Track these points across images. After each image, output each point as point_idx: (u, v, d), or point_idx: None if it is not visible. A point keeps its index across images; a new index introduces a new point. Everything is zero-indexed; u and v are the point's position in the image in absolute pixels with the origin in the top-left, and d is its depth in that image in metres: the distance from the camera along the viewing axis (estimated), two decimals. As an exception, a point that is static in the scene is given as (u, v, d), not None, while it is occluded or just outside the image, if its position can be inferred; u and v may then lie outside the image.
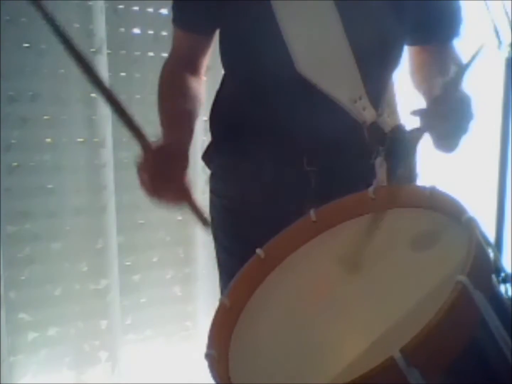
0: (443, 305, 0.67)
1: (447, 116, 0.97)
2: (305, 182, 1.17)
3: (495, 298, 0.76)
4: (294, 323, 0.89)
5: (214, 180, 1.31)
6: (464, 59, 1.17)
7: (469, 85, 1.17)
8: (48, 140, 1.94)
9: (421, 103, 1.10)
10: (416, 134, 1.02)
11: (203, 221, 1.11)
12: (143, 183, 1.11)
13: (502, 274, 0.83)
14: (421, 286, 0.79)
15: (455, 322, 0.68)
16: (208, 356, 0.84)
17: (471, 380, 0.72)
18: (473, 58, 1.00)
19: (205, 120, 1.30)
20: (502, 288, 0.83)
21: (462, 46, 1.25)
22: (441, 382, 0.70)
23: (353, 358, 0.75)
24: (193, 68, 1.26)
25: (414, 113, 1.00)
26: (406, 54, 1.25)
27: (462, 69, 1.01)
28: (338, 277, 0.92)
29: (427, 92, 1.17)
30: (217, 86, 1.30)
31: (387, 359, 0.65)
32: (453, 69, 1.06)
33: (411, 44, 1.23)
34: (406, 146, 1.24)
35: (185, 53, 1.26)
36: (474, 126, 1.04)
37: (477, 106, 1.03)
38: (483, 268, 0.75)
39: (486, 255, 0.77)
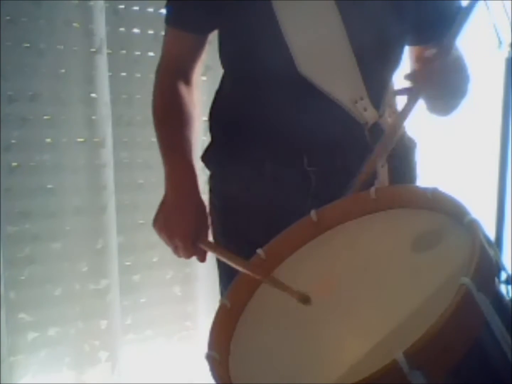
0: (447, 308, 0.67)
1: (440, 75, 0.97)
2: (306, 182, 1.17)
3: (498, 300, 0.75)
4: (295, 324, 0.89)
5: (213, 180, 1.31)
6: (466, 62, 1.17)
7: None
8: (48, 140, 1.94)
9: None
10: (411, 96, 1.01)
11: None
12: (172, 244, 1.15)
13: (504, 275, 0.83)
14: (423, 288, 0.79)
15: (459, 325, 0.68)
16: (209, 357, 0.84)
17: (475, 382, 0.72)
18: (466, 13, 0.99)
19: (205, 120, 1.30)
20: (503, 289, 0.83)
21: (462, 46, 1.25)
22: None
23: (355, 360, 0.74)
24: (186, 76, 1.24)
25: (407, 76, 0.99)
26: (407, 54, 1.25)
27: (455, 29, 1.00)
28: (339, 278, 0.92)
29: None
30: (217, 86, 1.29)
31: (390, 362, 0.65)
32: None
33: (411, 44, 1.23)
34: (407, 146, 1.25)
35: (178, 58, 1.24)
36: (471, 89, 1.03)
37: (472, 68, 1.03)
38: (487, 270, 0.75)
39: (489, 257, 0.77)
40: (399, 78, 1.25)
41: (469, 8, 0.98)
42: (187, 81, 1.24)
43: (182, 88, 1.22)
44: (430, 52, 1.01)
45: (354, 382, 0.66)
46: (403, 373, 0.65)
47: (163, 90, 1.23)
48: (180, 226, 1.12)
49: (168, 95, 1.22)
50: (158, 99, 1.24)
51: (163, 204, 1.17)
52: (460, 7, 1.22)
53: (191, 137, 1.19)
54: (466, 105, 1.15)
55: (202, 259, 1.16)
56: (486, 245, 0.77)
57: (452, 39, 0.99)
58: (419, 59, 0.97)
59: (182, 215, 1.13)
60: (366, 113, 1.13)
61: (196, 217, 1.13)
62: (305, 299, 0.89)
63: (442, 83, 0.99)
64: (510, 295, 0.84)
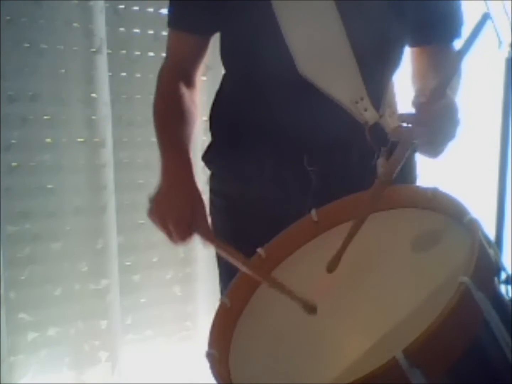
0: (446, 306, 0.67)
1: (433, 122, 0.96)
2: (306, 182, 1.17)
3: (497, 300, 0.76)
4: (295, 323, 0.89)
5: (214, 180, 1.31)
6: (463, 67, 1.17)
7: (469, 85, 1.17)
8: (48, 140, 1.94)
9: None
10: (404, 138, 1.01)
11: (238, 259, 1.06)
12: (165, 229, 1.10)
13: (503, 275, 0.83)
14: (423, 287, 0.79)
15: (458, 323, 0.68)
16: (209, 355, 0.84)
17: (473, 381, 0.72)
18: (458, 63, 0.99)
19: (205, 120, 1.30)
20: (503, 288, 0.83)
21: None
22: (442, 382, 0.70)
23: (355, 358, 0.75)
24: (188, 78, 1.24)
25: (402, 118, 0.99)
26: (408, 55, 1.25)
27: (449, 74, 0.99)
28: (339, 277, 0.92)
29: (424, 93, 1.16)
30: (217, 86, 1.29)
31: (389, 360, 0.65)
32: (442, 73, 1.04)
33: (412, 45, 1.23)
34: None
35: (181, 60, 1.24)
36: (460, 133, 1.03)
37: (464, 113, 1.02)
38: (486, 269, 0.75)
39: (488, 256, 0.77)
40: (399, 78, 1.26)
41: (470, 41, 0.98)
42: (189, 83, 1.24)
43: (184, 89, 1.22)
44: (426, 94, 1.00)
45: (353, 380, 0.66)
46: (402, 371, 0.65)
47: (165, 91, 1.23)
48: (173, 209, 1.09)
49: (170, 95, 1.22)
50: (159, 99, 1.24)
51: (156, 194, 1.14)
52: (460, 8, 1.23)
53: (190, 135, 1.19)
54: (466, 105, 1.14)
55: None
56: (486, 245, 0.77)
57: (447, 77, 0.98)
58: (415, 103, 0.97)
59: (175, 200, 1.10)
60: (366, 114, 1.13)
61: (190, 202, 1.10)
62: (310, 309, 0.87)
63: (438, 129, 0.99)
64: (510, 294, 0.84)
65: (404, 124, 0.99)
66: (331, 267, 0.89)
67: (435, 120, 0.95)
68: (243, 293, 0.98)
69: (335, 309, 0.87)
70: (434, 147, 1.00)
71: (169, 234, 1.10)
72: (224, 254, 1.06)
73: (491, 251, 0.78)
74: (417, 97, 1.00)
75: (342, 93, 1.12)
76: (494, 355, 0.74)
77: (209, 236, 1.10)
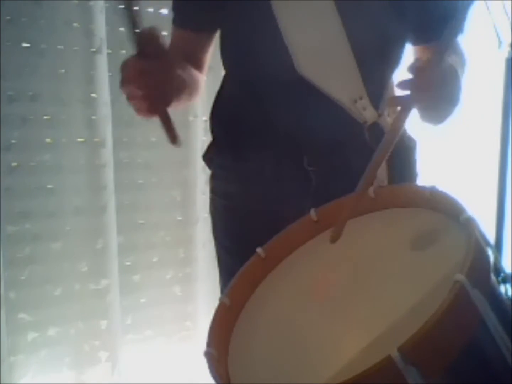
0: (441, 304, 0.68)
1: (431, 85, 0.95)
2: (306, 182, 1.17)
3: (494, 297, 0.76)
4: (294, 322, 0.89)
5: (214, 180, 1.31)
6: (467, 61, 1.17)
7: (469, 85, 1.17)
8: (48, 140, 1.94)
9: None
10: (404, 105, 1.00)
11: (172, 138, 0.96)
12: (126, 79, 0.95)
13: (502, 275, 0.83)
14: (419, 285, 0.79)
15: (454, 321, 0.68)
16: (207, 354, 0.84)
17: (470, 379, 0.72)
18: (460, 16, 0.98)
19: (205, 120, 1.30)
20: (502, 288, 0.83)
21: (462, 46, 1.25)
22: (439, 381, 0.70)
23: (351, 357, 0.75)
24: (196, 64, 1.24)
25: (399, 85, 0.99)
26: (410, 54, 1.25)
27: (447, 38, 0.99)
28: (337, 276, 0.92)
29: None
30: (217, 86, 1.30)
31: (384, 357, 0.65)
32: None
33: (413, 43, 1.23)
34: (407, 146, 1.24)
35: (187, 52, 1.25)
36: (462, 99, 1.02)
37: (464, 80, 1.00)
38: (482, 267, 0.75)
39: (484, 254, 0.77)
40: (399, 78, 1.26)
41: (464, 10, 0.97)
42: (198, 67, 1.25)
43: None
44: (423, 59, 1.00)
45: (348, 378, 0.66)
46: (398, 369, 0.65)
47: None
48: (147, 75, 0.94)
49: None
50: None
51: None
52: (461, 6, 1.22)
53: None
54: (466, 105, 1.15)
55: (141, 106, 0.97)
56: (482, 243, 0.77)
57: (445, 44, 0.97)
58: (411, 68, 0.95)
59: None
60: (366, 113, 1.14)
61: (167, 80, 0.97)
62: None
63: (437, 94, 0.98)
64: (510, 293, 0.84)
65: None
66: (335, 237, 0.89)
67: (434, 84, 0.94)
68: (243, 293, 0.98)
69: (333, 308, 0.87)
70: (436, 113, 0.99)
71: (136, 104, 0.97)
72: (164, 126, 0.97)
73: (487, 249, 0.78)
74: (414, 63, 0.99)
75: (341, 92, 1.12)
76: (491, 353, 0.74)
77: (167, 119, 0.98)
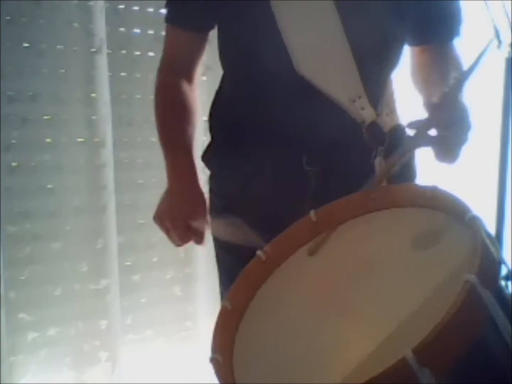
0: (453, 304, 0.67)
1: (447, 125, 0.96)
2: (305, 182, 1.17)
3: (502, 297, 0.75)
4: (298, 324, 0.88)
5: (213, 180, 1.31)
6: (465, 65, 1.16)
7: (469, 85, 1.17)
8: (48, 140, 1.94)
9: (420, 107, 1.08)
10: (414, 143, 1.01)
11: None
12: (166, 230, 1.16)
13: (504, 271, 0.83)
14: (426, 286, 0.78)
15: (464, 321, 0.68)
16: (212, 360, 0.83)
17: (480, 378, 0.72)
18: (474, 64, 0.99)
19: (205, 120, 1.30)
20: (503, 284, 0.82)
21: (462, 46, 1.25)
22: (450, 381, 0.70)
23: (360, 360, 0.73)
24: (186, 74, 1.25)
25: (410, 125, 0.99)
26: (408, 54, 1.25)
27: (462, 77, 0.99)
28: (340, 277, 0.92)
29: (427, 93, 1.16)
30: (217, 86, 1.29)
31: (399, 359, 0.65)
32: (453, 77, 1.04)
33: (411, 44, 1.23)
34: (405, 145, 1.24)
35: (179, 56, 1.25)
36: (473, 137, 1.03)
37: (475, 115, 1.01)
38: (490, 266, 0.75)
39: (491, 253, 0.77)
40: (399, 78, 1.26)
41: (480, 56, 0.97)
42: (188, 79, 1.25)
43: (184, 85, 1.23)
44: (437, 96, 1.00)
45: (363, 381, 0.66)
46: (412, 371, 0.65)
47: (164, 87, 1.24)
48: (172, 207, 1.14)
49: (170, 92, 1.23)
50: (160, 96, 1.24)
51: (162, 196, 1.18)
52: (460, 7, 1.23)
53: (192, 133, 1.21)
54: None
55: (200, 240, 1.17)
56: (488, 242, 0.77)
57: (459, 81, 0.98)
58: (428, 106, 0.96)
59: (174, 199, 1.16)
60: (364, 112, 1.13)
61: (189, 202, 1.15)
62: None
63: (459, 131, 0.98)
64: (510, 290, 0.84)
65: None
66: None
67: (451, 122, 0.95)
68: (244, 296, 0.97)
69: (338, 309, 0.86)
70: (450, 151, 0.99)
71: (168, 234, 1.11)
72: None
73: (493, 249, 0.78)
74: (429, 99, 0.99)
75: (339, 91, 1.12)
76: (501, 352, 0.73)
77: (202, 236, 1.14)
